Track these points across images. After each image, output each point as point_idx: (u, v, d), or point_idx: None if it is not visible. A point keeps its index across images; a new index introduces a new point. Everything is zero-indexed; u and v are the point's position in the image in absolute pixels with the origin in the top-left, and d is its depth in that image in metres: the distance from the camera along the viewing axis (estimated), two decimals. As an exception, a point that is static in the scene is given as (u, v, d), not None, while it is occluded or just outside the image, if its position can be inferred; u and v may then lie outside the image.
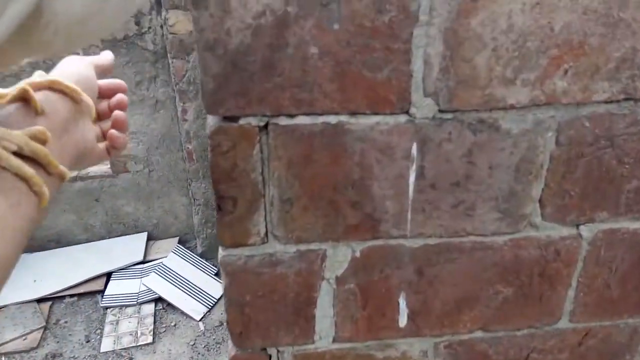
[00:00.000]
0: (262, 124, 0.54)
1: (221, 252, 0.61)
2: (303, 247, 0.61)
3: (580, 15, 0.50)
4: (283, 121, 0.54)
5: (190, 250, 3.22)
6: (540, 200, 0.61)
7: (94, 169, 3.20)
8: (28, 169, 0.46)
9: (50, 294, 2.99)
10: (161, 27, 2.76)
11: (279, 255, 0.62)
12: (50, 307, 2.98)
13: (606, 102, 0.55)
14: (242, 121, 0.54)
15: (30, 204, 0.47)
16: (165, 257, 3.10)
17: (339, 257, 0.62)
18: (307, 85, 0.52)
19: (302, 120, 0.54)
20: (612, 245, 0.64)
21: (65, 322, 2.89)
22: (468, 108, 0.54)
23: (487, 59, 0.52)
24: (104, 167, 3.18)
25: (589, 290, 0.67)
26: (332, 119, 0.55)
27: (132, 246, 3.20)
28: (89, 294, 3.04)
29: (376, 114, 0.55)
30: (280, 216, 0.59)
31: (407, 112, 0.55)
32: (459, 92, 0.54)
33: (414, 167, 0.57)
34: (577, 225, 0.63)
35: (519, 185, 0.59)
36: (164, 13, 2.60)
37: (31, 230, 0.48)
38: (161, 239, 3.31)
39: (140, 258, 3.11)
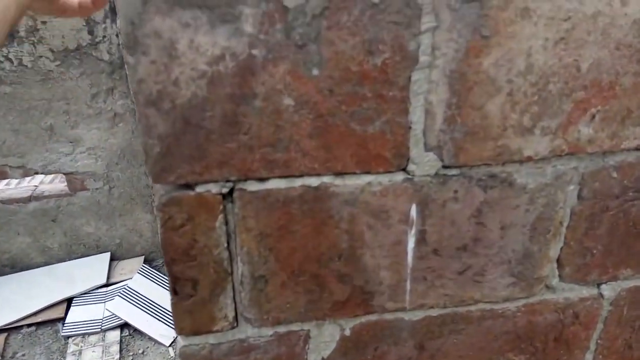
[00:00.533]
0: (225, 190, 0.43)
1: (180, 341, 0.50)
2: (282, 329, 0.51)
3: (612, 51, 0.41)
4: (252, 186, 0.44)
5: (157, 270, 3.06)
6: (558, 261, 0.52)
7: (48, 188, 2.99)
8: None
9: (6, 325, 2.77)
10: (117, 35, 2.59)
11: (253, 340, 0.51)
12: (6, 338, 2.77)
13: (637, 149, 0.47)
14: (199, 188, 0.43)
15: None
16: (130, 278, 2.93)
17: (325, 337, 0.52)
18: (281, 144, 0.42)
19: (276, 184, 0.44)
20: (636, 303, 0.56)
21: (23, 355, 2.69)
22: (477, 162, 0.45)
23: (500, 106, 0.43)
24: (60, 186, 2.98)
25: (608, 352, 0.59)
26: (314, 181, 0.44)
27: (94, 268, 3.02)
28: (48, 322, 2.84)
29: (367, 173, 0.44)
30: (252, 296, 0.48)
31: (404, 170, 0.45)
32: (467, 145, 0.44)
33: (413, 231, 0.48)
34: (599, 285, 0.55)
35: (535, 246, 0.50)
36: (119, 21, 2.43)
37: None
38: (125, 259, 3.13)
39: (104, 281, 2.92)
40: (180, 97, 0.39)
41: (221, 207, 0.44)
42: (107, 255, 3.07)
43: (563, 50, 0.41)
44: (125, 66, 0.42)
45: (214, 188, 0.43)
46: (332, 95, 0.41)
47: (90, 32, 2.60)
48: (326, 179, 0.44)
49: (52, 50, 2.53)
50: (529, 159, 0.45)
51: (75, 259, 3.07)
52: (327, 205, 0.45)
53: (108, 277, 2.95)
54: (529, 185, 0.47)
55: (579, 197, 0.48)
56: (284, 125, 0.41)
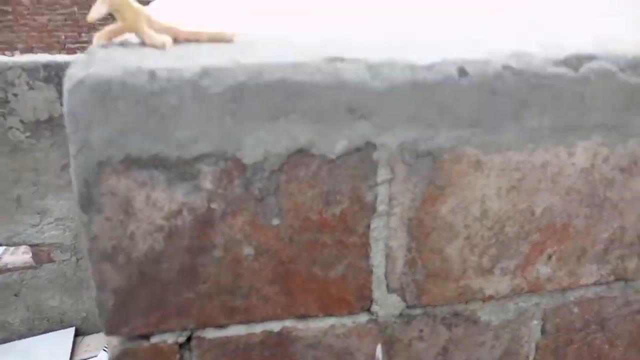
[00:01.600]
0: (182, 340, 0.42)
1: None
2: None
3: (563, 197, 0.43)
4: (211, 333, 0.42)
5: (124, 346, 2.90)
6: (526, 392, 0.51)
7: (12, 259, 2.87)
8: None
9: (-46, 411, 2.56)
10: (91, 108, 2.59)
11: None
12: None
13: (595, 284, 0.47)
14: (154, 339, 0.41)
15: None
16: (95, 356, 2.77)
17: None
18: (241, 291, 0.41)
19: (235, 330, 0.42)
20: None
21: None
22: (441, 302, 0.45)
23: (459, 249, 0.43)
24: (24, 257, 2.86)
25: None
26: (275, 326, 0.43)
27: (57, 344, 2.85)
28: (2, 406, 2.64)
29: (330, 315, 0.44)
30: None
31: (368, 311, 0.44)
32: (429, 286, 0.44)
33: (378, 370, 0.46)
34: (569, 413, 0.53)
35: (502, 379, 0.49)
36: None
37: None
38: (91, 334, 2.97)
39: (67, 359, 2.76)
40: (136, 251, 0.38)
41: (178, 356, 0.42)
42: (72, 330, 2.91)
43: (516, 197, 0.42)
44: (79, 222, 0.41)
45: (170, 338, 0.41)
46: (293, 243, 0.40)
47: (63, 104, 2.60)
48: (288, 323, 0.43)
49: (22, 122, 2.51)
50: (491, 297, 0.45)
51: (37, 334, 2.91)
52: (290, 349, 0.44)
53: (72, 355, 2.79)
54: (492, 322, 0.47)
55: (543, 331, 0.48)
56: (243, 273, 0.40)
